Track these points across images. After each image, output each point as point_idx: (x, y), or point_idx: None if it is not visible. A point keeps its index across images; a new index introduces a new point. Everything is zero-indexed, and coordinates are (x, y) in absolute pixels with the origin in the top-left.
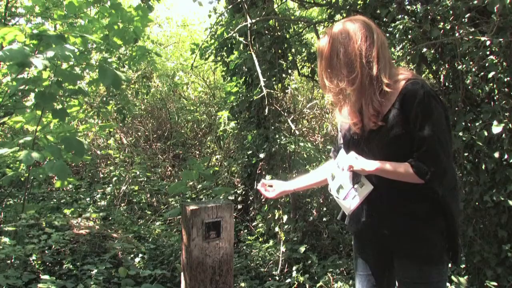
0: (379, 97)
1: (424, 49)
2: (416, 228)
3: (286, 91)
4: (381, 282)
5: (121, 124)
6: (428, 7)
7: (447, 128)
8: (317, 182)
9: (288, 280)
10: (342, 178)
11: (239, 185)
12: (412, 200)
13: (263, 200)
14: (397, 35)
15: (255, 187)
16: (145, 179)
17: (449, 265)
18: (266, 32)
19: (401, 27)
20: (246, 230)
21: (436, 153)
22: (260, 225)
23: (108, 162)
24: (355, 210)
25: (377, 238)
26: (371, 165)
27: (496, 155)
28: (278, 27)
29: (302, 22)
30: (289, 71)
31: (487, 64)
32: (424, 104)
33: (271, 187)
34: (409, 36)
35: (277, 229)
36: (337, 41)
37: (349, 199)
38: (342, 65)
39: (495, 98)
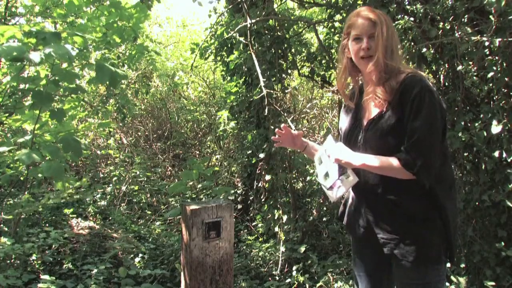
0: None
1: (424, 49)
2: (413, 229)
3: (286, 91)
4: (380, 282)
5: (121, 124)
6: (428, 7)
7: (441, 123)
8: None
9: (288, 280)
10: (329, 166)
11: (239, 185)
12: (409, 200)
13: (263, 200)
14: None
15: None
16: (145, 179)
17: (448, 264)
18: (266, 32)
19: (399, 27)
20: (246, 230)
21: (425, 144)
22: (260, 225)
23: (108, 162)
24: (353, 210)
25: (375, 239)
26: (357, 159)
27: (496, 155)
28: (278, 27)
29: (302, 22)
30: (289, 71)
31: (486, 64)
32: (420, 97)
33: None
34: (408, 36)
35: (277, 229)
36: (391, 24)
37: (335, 188)
38: (395, 47)
39: (494, 98)
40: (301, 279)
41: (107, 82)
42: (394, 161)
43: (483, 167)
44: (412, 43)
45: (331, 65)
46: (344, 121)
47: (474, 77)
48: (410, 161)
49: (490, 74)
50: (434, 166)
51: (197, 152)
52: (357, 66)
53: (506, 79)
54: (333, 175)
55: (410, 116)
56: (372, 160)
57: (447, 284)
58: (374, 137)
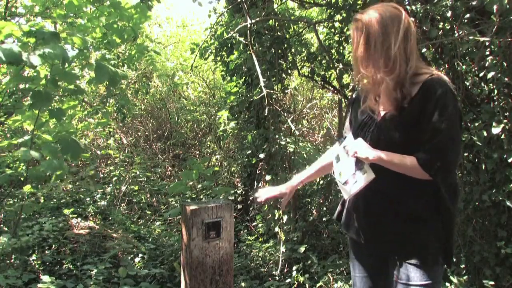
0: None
1: (424, 49)
2: (411, 230)
3: (286, 91)
4: (378, 283)
5: (121, 124)
6: (428, 7)
7: (460, 130)
8: (323, 166)
9: (288, 280)
10: (347, 162)
11: (239, 185)
12: (413, 200)
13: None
14: None
15: (254, 191)
16: (145, 179)
17: (445, 266)
18: (266, 32)
19: None
20: (246, 230)
21: (446, 147)
22: (260, 225)
23: (108, 162)
24: (352, 209)
25: (373, 239)
26: (375, 154)
27: (496, 155)
28: (278, 27)
29: (302, 22)
30: (289, 71)
31: (486, 64)
32: (444, 100)
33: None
34: None
35: (277, 229)
36: (375, 30)
37: (350, 184)
38: (379, 55)
39: (494, 98)
40: (301, 279)
41: (107, 82)
42: (412, 160)
43: (483, 167)
44: None
45: (331, 65)
46: (357, 112)
47: (475, 77)
48: (428, 161)
49: (491, 74)
50: (452, 170)
51: (197, 152)
52: None
53: (506, 79)
54: (350, 170)
55: (432, 117)
56: (389, 156)
57: (447, 284)
58: (384, 131)
